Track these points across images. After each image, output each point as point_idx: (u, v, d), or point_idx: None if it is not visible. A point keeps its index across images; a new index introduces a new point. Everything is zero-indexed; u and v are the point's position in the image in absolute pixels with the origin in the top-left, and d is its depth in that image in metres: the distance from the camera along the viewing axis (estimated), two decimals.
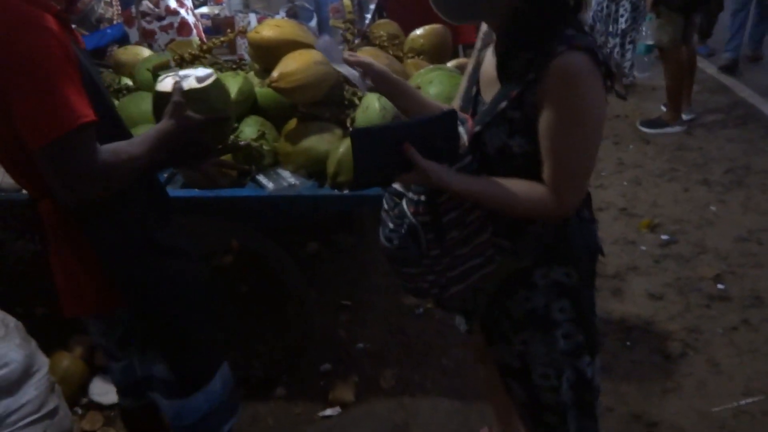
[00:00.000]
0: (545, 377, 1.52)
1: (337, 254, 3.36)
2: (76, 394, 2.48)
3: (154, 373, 1.51)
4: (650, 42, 4.46)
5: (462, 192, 1.32)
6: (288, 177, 2.16)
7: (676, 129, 4.67)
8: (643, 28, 4.49)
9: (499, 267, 1.47)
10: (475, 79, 1.48)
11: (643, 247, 3.35)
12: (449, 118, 1.29)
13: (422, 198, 1.36)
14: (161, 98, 1.57)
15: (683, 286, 3.04)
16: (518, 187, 1.32)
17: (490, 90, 1.39)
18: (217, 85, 1.65)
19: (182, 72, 1.62)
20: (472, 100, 1.47)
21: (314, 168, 2.18)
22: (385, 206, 1.47)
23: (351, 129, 1.28)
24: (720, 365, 2.58)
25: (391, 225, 1.42)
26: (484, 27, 1.57)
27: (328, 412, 2.43)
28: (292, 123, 2.30)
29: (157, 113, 1.56)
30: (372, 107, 2.03)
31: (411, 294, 1.54)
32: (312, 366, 2.65)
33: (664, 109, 4.83)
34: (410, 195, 1.38)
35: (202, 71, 1.62)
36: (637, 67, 4.79)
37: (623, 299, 2.99)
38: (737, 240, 3.36)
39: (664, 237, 3.42)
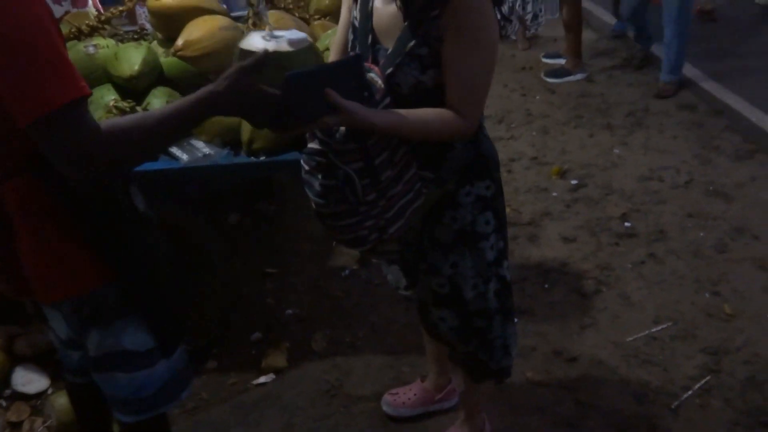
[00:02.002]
0: (475, 288, 1.66)
1: (259, 223, 3.33)
2: None
3: (120, 347, 1.46)
4: None
5: (385, 127, 1.38)
6: (202, 147, 2.12)
7: (578, 76, 4.85)
8: None
9: (426, 198, 1.56)
10: (366, 29, 1.52)
11: (555, 193, 3.49)
12: (357, 60, 1.37)
13: (351, 146, 1.40)
14: (243, 56, 1.37)
15: (593, 227, 3.20)
16: (429, 114, 1.43)
17: (389, 36, 1.48)
18: (312, 51, 1.46)
19: (275, 32, 1.44)
20: (369, 48, 1.52)
21: (228, 136, 2.14)
22: (306, 168, 1.50)
23: (286, 75, 1.21)
24: (631, 298, 2.75)
25: (322, 181, 1.44)
26: None
27: (262, 379, 2.44)
28: None
29: None
30: None
31: (349, 246, 1.59)
32: (242, 336, 2.64)
33: (563, 60, 5.01)
34: (336, 147, 1.41)
35: (295, 34, 1.45)
36: (549, 10, 4.93)
37: (539, 244, 3.12)
38: (640, 179, 3.55)
39: (573, 182, 3.57)
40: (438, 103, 1.45)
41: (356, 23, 1.55)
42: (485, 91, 1.48)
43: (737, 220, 3.13)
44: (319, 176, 1.45)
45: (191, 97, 1.26)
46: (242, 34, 2.23)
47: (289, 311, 2.80)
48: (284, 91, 1.23)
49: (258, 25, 2.32)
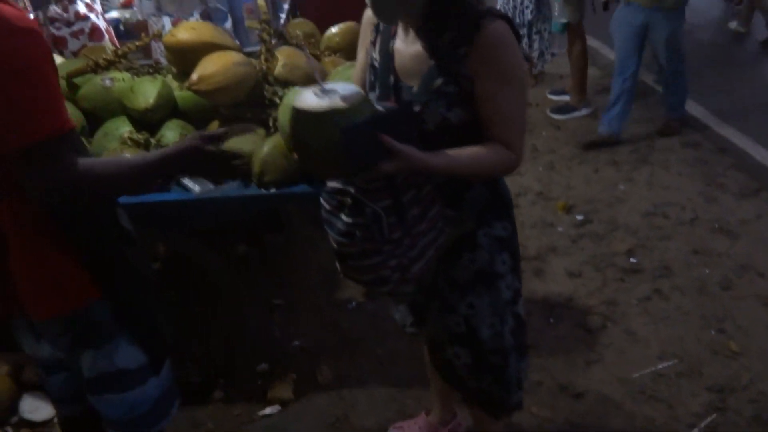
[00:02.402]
0: (492, 327, 1.67)
1: (266, 255, 3.36)
2: (5, 413, 2.40)
3: (114, 367, 1.49)
4: (563, 20, 4.66)
5: (443, 168, 1.42)
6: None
7: (583, 112, 4.91)
8: (555, 9, 4.69)
9: (446, 238, 1.57)
10: (388, 69, 1.56)
11: (561, 228, 3.52)
12: (408, 106, 1.45)
13: (380, 183, 1.41)
14: (303, 117, 1.33)
15: (599, 262, 3.21)
16: (481, 151, 1.46)
17: (412, 75, 1.51)
18: (365, 102, 1.36)
19: (326, 85, 1.36)
20: (391, 88, 1.55)
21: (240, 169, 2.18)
22: (327, 207, 1.50)
23: (340, 128, 1.26)
24: (636, 334, 2.75)
25: (346, 220, 1.44)
26: (366, 22, 1.66)
27: (268, 410, 2.45)
28: (214, 125, 2.29)
29: (298, 135, 1.36)
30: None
31: (369, 287, 1.59)
32: (249, 367, 2.65)
33: (567, 97, 5.07)
34: (363, 185, 1.42)
35: (346, 88, 1.35)
36: (556, 46, 5.00)
37: (545, 279, 3.13)
38: (645, 215, 3.57)
39: (579, 217, 3.60)
40: (463, 140, 1.46)
41: (376, 63, 1.58)
42: (525, 123, 1.51)
43: (742, 258, 3.14)
44: (343, 215, 1.45)
45: (159, 151, 1.46)
46: (254, 69, 2.30)
47: (296, 343, 2.81)
48: (344, 145, 1.27)
49: (270, 61, 2.39)
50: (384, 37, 1.57)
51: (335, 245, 1.49)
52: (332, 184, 1.48)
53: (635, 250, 3.28)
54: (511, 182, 3.94)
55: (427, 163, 1.37)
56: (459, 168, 1.45)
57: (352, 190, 1.43)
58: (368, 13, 1.63)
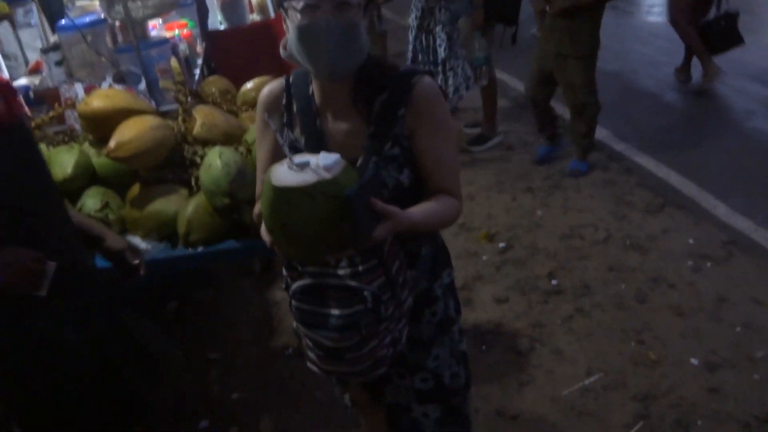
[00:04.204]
0: (450, 369, 1.71)
1: (198, 310, 3.35)
2: None
3: None
4: (483, 53, 4.83)
5: (422, 223, 1.42)
6: (139, 243, 2.18)
7: (496, 140, 5.12)
8: (476, 44, 4.84)
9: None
10: (321, 148, 1.42)
11: (485, 257, 3.65)
12: (378, 166, 1.42)
13: (374, 262, 1.38)
14: (290, 196, 1.23)
15: (523, 286, 3.36)
16: (437, 204, 1.47)
17: (351, 149, 1.44)
18: (348, 168, 1.29)
19: (297, 158, 1.27)
20: None
21: (164, 231, 2.20)
22: (305, 307, 1.41)
23: (346, 194, 1.21)
24: (563, 352, 2.88)
25: (342, 313, 1.36)
26: (266, 108, 1.56)
27: None
28: (136, 189, 2.31)
29: (285, 217, 1.26)
30: (215, 165, 2.11)
31: (361, 377, 1.50)
32: (190, 426, 2.63)
33: (473, 131, 5.28)
34: (361, 268, 1.37)
35: (325, 158, 1.26)
36: (483, 78, 5.12)
37: (474, 307, 3.24)
38: (562, 237, 3.76)
39: (501, 245, 3.74)
40: (413, 200, 1.46)
41: (299, 145, 1.50)
42: (459, 169, 1.57)
43: (653, 271, 3.35)
44: (333, 310, 1.36)
45: None
46: (172, 131, 2.33)
47: (235, 395, 2.80)
48: (351, 214, 1.22)
49: (188, 121, 2.44)
50: (306, 118, 1.50)
51: (330, 343, 1.38)
52: (301, 282, 1.41)
53: (556, 272, 3.44)
54: None
55: (411, 219, 1.36)
56: (429, 222, 1.45)
57: (337, 279, 1.37)
58: (265, 99, 1.56)
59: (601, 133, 4.86)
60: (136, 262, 1.81)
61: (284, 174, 1.25)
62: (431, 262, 1.63)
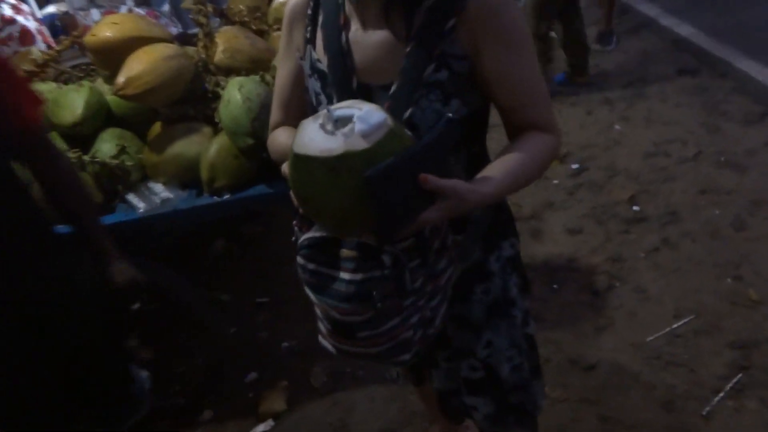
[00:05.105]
0: (510, 361, 1.39)
1: (246, 248, 3.16)
2: None
3: None
4: None
5: (498, 195, 1.06)
6: (160, 192, 1.95)
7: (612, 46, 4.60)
8: None
9: (456, 272, 1.26)
10: (345, 71, 1.16)
11: (556, 181, 3.29)
12: (451, 127, 0.99)
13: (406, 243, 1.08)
14: (308, 167, 0.94)
15: (600, 214, 3.00)
16: (524, 153, 1.10)
17: (383, 71, 1.13)
18: (394, 136, 0.95)
19: (337, 112, 0.97)
20: (357, 94, 1.15)
21: (187, 176, 1.96)
22: (310, 266, 1.12)
23: (365, 175, 0.90)
24: (647, 291, 2.55)
25: (352, 278, 1.07)
26: (293, 15, 1.25)
27: (261, 428, 2.27)
28: (156, 128, 2.07)
29: (305, 188, 0.98)
30: (234, 100, 1.82)
31: (384, 362, 1.17)
32: (237, 378, 2.48)
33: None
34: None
35: (368, 117, 0.94)
36: None
37: (543, 240, 2.92)
38: (645, 156, 3.34)
39: (574, 166, 3.37)
40: (462, 143, 1.17)
41: (321, 66, 1.18)
42: (547, 91, 1.17)
43: (753, 193, 2.91)
44: (344, 273, 1.08)
45: None
46: (190, 60, 2.05)
47: (285, 344, 2.63)
48: (373, 200, 0.92)
49: (209, 47, 2.14)
50: (329, 31, 1.17)
51: (337, 315, 1.10)
52: (313, 233, 1.11)
53: (638, 196, 3.05)
54: (495, 134, 3.74)
55: (481, 196, 1.01)
56: (513, 187, 1.08)
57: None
58: (291, 8, 1.24)
59: (688, 30, 4.28)
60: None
61: (313, 134, 0.95)
62: (483, 227, 1.28)
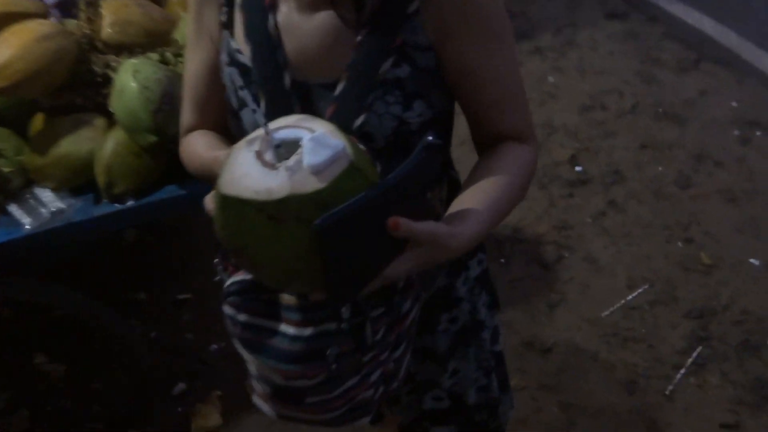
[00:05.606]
0: (477, 382, 1.22)
1: (160, 238, 2.84)
2: None
3: None
4: None
5: (483, 234, 0.80)
6: (50, 201, 1.62)
7: None
8: None
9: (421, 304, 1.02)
10: (274, 64, 0.88)
11: None
12: (433, 154, 0.72)
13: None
14: (242, 213, 0.68)
15: (542, 177, 2.84)
16: (507, 167, 0.88)
17: (325, 64, 0.87)
18: (354, 171, 0.69)
19: (277, 134, 0.70)
20: (291, 94, 0.88)
21: (80, 179, 1.64)
22: (242, 318, 0.86)
23: (314, 225, 0.63)
24: (598, 260, 2.43)
25: (299, 333, 0.83)
26: None
27: None
28: (38, 122, 1.72)
29: (237, 237, 0.70)
30: (128, 89, 1.50)
31: (337, 425, 0.95)
32: (163, 391, 2.21)
33: None
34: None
35: (319, 143, 0.67)
36: None
37: None
38: (582, 110, 3.19)
39: None
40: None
41: (243, 60, 0.90)
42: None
43: (694, 147, 2.83)
44: (286, 327, 0.84)
45: None
46: (72, 38, 1.69)
47: (214, 346, 2.37)
48: (321, 253, 0.67)
49: (94, 20, 1.78)
50: (252, 13, 0.89)
51: (280, 380, 0.86)
52: (241, 276, 0.87)
53: (579, 155, 2.92)
54: None
55: (466, 240, 0.77)
56: (496, 222, 0.84)
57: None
58: None
59: None
60: None
61: (246, 167, 0.68)
62: None
